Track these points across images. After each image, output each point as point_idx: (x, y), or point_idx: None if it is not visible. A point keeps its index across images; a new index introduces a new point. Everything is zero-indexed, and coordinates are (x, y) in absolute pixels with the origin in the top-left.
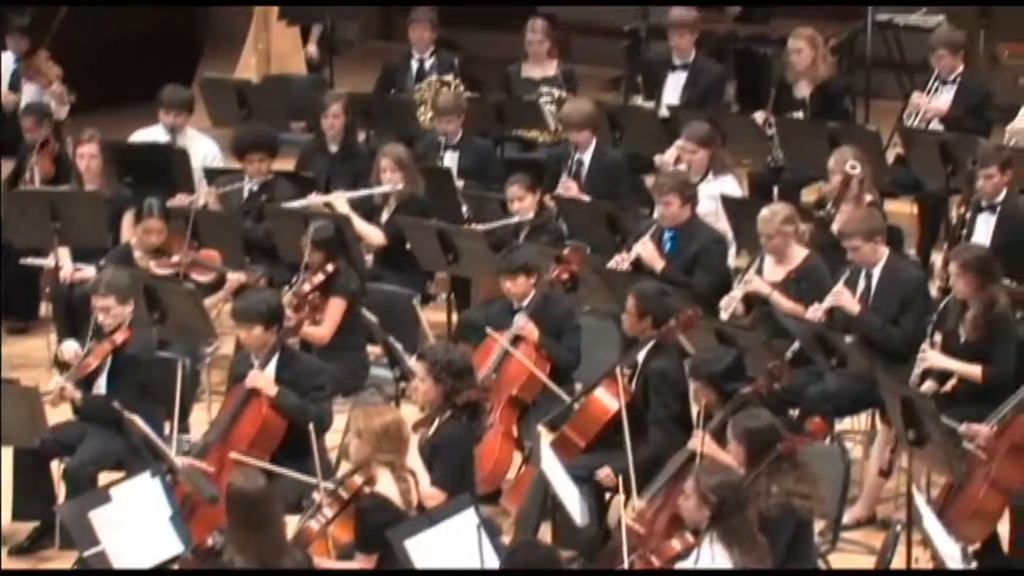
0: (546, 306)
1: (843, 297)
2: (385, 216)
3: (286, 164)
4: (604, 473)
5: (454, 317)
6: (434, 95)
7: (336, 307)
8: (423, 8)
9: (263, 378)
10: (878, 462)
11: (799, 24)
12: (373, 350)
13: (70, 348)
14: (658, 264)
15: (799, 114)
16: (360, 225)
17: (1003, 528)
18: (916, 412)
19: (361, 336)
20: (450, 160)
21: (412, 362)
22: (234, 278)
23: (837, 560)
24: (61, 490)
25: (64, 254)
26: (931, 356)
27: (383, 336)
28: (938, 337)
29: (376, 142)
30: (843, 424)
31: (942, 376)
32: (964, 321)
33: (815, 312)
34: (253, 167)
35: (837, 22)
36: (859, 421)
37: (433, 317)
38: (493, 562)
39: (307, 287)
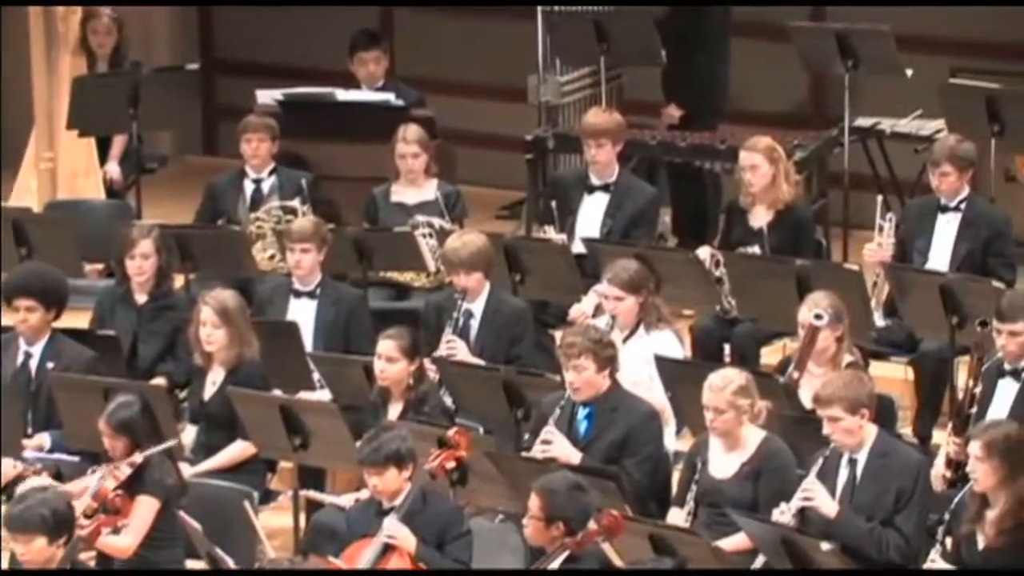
0: (425, 506)
1: (817, 495)
2: (210, 389)
3: (78, 319)
4: None
5: (302, 521)
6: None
7: (145, 509)
8: (257, 115)
9: None
10: None
11: (753, 131)
12: (195, 566)
13: None
14: (573, 459)
15: (756, 249)
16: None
17: None
18: None
19: (179, 548)
20: (303, 312)
21: None
22: (6, 470)
23: None
24: None
25: None
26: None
27: (208, 547)
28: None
29: (197, 288)
30: None
31: None
32: (983, 521)
33: (782, 515)
34: (31, 321)
35: (803, 129)
36: None
37: (274, 521)
38: None
39: (107, 484)
